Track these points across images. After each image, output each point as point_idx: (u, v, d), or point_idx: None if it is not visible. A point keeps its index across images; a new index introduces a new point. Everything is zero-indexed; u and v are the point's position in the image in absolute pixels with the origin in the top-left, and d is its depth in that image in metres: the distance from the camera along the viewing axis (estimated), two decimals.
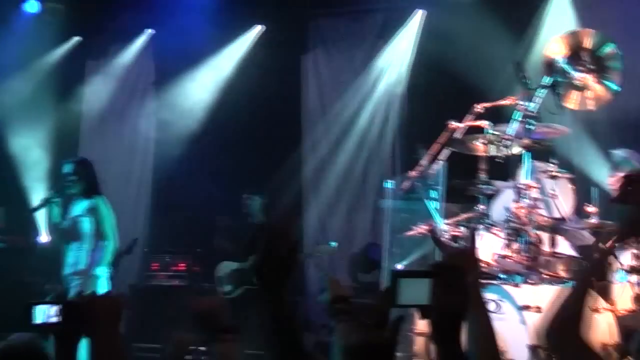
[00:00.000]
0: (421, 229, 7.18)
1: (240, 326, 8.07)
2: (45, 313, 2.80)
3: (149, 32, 12.02)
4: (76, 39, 12.16)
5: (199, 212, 10.92)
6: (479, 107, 7.15)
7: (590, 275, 3.45)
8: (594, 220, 6.50)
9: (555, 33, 8.00)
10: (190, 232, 10.90)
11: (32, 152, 11.59)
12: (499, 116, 7.23)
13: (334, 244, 9.03)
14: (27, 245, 11.18)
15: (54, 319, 2.79)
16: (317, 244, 10.10)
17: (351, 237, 10.52)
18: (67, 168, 8.09)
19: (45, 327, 2.80)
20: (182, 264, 10.76)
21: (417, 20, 10.80)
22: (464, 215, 7.09)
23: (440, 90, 9.85)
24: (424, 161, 7.22)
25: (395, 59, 10.95)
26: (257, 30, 11.70)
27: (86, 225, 7.91)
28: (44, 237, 11.40)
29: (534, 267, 6.27)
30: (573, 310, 3.03)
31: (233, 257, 9.33)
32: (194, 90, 11.64)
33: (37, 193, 11.45)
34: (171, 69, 11.68)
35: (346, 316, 3.04)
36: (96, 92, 12.01)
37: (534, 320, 5.78)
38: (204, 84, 11.65)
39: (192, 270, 10.70)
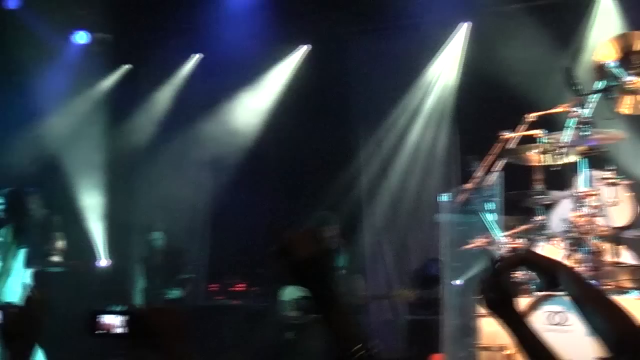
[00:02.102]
0: (478, 242, 7.13)
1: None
2: (110, 323, 2.76)
3: (197, 56, 12.11)
4: (126, 67, 12.32)
5: (256, 233, 10.93)
6: (531, 116, 7.08)
7: None
8: None
9: (603, 37, 7.93)
10: (248, 252, 10.93)
11: (86, 180, 11.77)
12: (552, 124, 7.16)
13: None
14: (87, 270, 11.36)
15: (119, 330, 2.74)
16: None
17: (408, 253, 10.47)
18: None
19: (109, 337, 2.75)
20: (240, 284, 10.83)
21: (462, 32, 10.78)
22: (522, 227, 7.02)
23: (491, 100, 9.78)
24: (478, 173, 7.17)
25: (444, 72, 10.92)
26: (303, 49, 11.75)
27: None
28: (103, 261, 11.58)
29: (596, 278, 6.19)
30: None
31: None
32: (244, 112, 11.73)
33: (92, 220, 11.65)
34: (221, 92, 11.76)
35: None
36: (148, 119, 12.15)
37: None
38: (254, 106, 11.74)
39: (251, 290, 10.77)
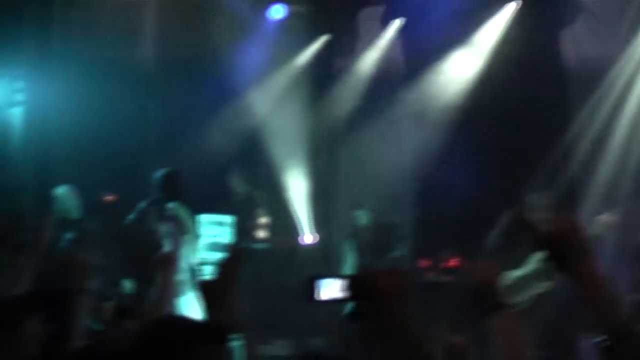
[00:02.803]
0: None
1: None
2: (330, 288, 2.71)
3: (398, 21, 11.73)
4: (324, 38, 12.11)
5: (468, 205, 10.47)
6: None
7: None
8: None
9: None
10: (460, 226, 10.47)
11: (289, 155, 11.77)
12: None
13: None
14: (291, 246, 11.35)
15: (339, 294, 2.67)
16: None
17: (633, 228, 9.65)
18: None
19: (331, 303, 2.71)
20: (453, 260, 10.36)
21: None
22: None
23: None
24: None
25: None
26: (511, 7, 11.15)
27: None
28: (307, 238, 11.48)
29: None
30: None
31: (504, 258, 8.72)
32: (452, 75, 11.33)
33: (297, 195, 11.68)
34: (423, 57, 11.42)
35: None
36: (350, 89, 11.90)
37: None
38: (463, 67, 11.32)
39: (463, 266, 10.31)
